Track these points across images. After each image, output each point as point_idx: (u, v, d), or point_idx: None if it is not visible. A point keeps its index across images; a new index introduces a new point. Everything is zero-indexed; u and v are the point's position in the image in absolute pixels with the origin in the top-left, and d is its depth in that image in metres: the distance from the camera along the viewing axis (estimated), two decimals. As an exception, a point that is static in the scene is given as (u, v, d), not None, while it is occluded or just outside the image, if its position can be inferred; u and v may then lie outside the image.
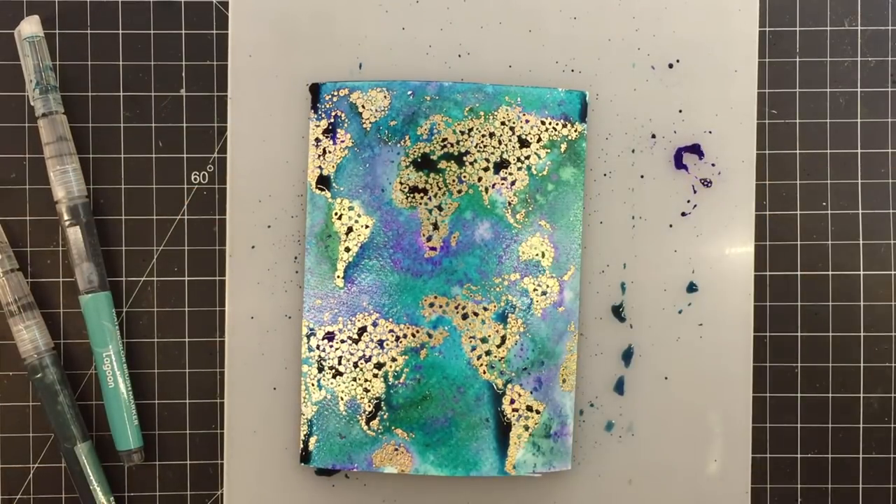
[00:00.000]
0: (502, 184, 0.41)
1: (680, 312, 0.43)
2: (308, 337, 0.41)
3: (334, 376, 0.41)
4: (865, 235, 0.44)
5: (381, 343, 0.41)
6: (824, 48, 0.45)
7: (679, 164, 0.43)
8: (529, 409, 0.41)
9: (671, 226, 0.43)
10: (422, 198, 0.41)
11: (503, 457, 0.41)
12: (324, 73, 0.42)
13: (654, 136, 0.43)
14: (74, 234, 0.42)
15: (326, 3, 0.42)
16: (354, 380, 0.41)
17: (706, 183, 0.43)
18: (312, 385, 0.41)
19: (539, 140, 0.42)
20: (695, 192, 0.43)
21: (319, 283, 0.41)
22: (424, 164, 0.41)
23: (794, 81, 0.45)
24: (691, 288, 0.43)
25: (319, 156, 0.42)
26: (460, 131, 0.41)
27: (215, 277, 0.44)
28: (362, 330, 0.41)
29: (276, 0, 0.42)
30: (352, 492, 0.42)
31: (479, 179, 0.41)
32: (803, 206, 0.44)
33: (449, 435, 0.41)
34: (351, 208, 0.41)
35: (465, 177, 0.41)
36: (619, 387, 0.43)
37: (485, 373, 0.41)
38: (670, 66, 0.43)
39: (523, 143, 0.42)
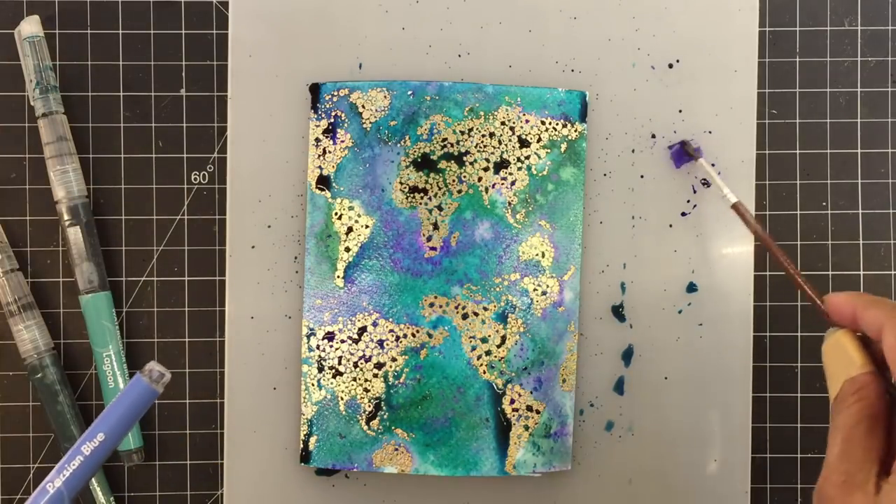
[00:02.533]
0: (502, 184, 0.41)
1: (680, 312, 0.43)
2: (308, 337, 0.41)
3: (334, 376, 0.41)
4: (865, 235, 0.44)
5: (381, 343, 0.41)
6: (824, 48, 0.45)
7: (679, 164, 0.43)
8: (529, 409, 0.41)
9: (671, 226, 0.43)
10: (422, 198, 0.41)
11: (503, 457, 0.41)
12: (324, 73, 0.42)
13: (654, 136, 0.43)
14: (74, 234, 0.42)
15: (326, 3, 0.42)
16: (354, 380, 0.41)
17: (706, 183, 0.43)
18: (312, 385, 0.41)
19: (539, 140, 0.42)
20: (695, 192, 0.43)
21: (319, 283, 0.41)
22: (424, 164, 0.41)
23: (794, 81, 0.45)
24: (691, 288, 0.43)
25: (319, 156, 0.42)
26: (460, 131, 0.41)
27: (215, 277, 0.44)
28: (362, 330, 0.41)
29: (276, 0, 0.42)
30: (352, 492, 0.42)
31: (479, 179, 0.41)
32: (803, 206, 0.44)
33: (449, 435, 0.41)
34: (351, 208, 0.41)
35: (465, 177, 0.41)
36: (619, 387, 0.43)
37: (485, 373, 0.41)
38: (670, 66, 0.43)
39: (523, 143, 0.42)
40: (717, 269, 0.42)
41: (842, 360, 0.31)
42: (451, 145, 0.41)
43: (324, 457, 0.41)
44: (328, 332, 0.41)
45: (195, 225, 0.44)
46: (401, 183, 0.41)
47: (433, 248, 0.41)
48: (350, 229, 0.41)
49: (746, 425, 0.42)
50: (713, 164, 0.43)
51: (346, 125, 0.41)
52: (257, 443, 0.42)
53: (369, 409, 0.41)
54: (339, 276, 0.41)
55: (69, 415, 0.42)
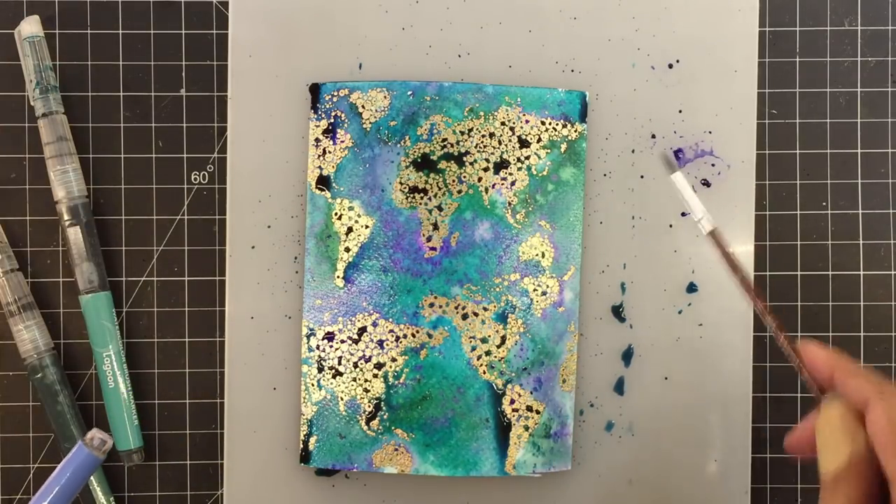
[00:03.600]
0: (502, 184, 0.41)
1: (680, 312, 0.43)
2: (308, 337, 0.41)
3: (334, 376, 0.41)
4: (865, 235, 0.44)
5: (381, 343, 0.41)
6: (824, 48, 0.45)
7: (679, 163, 0.43)
8: (529, 409, 0.41)
9: (671, 226, 0.43)
10: (422, 198, 0.41)
11: (503, 457, 0.41)
12: (324, 73, 0.42)
13: (654, 136, 0.43)
14: (74, 234, 0.42)
15: (326, 3, 0.42)
16: (354, 380, 0.41)
17: (706, 183, 0.43)
18: (312, 385, 0.41)
19: (539, 140, 0.42)
20: (695, 192, 0.43)
21: (319, 283, 0.41)
22: (424, 164, 0.41)
23: (794, 81, 0.45)
24: (691, 288, 0.43)
25: (319, 156, 0.42)
26: (460, 131, 0.41)
27: (215, 277, 0.44)
28: (362, 330, 0.41)
29: (276, 0, 0.42)
30: (352, 492, 0.42)
31: (479, 179, 0.41)
32: (803, 206, 0.44)
33: (449, 435, 0.41)
34: (351, 208, 0.41)
35: (465, 177, 0.41)
36: (619, 387, 0.43)
37: (485, 373, 0.41)
38: (670, 66, 0.43)
39: (523, 144, 0.42)
40: (717, 269, 0.42)
41: (843, 433, 0.30)
42: (451, 145, 0.41)
43: (324, 457, 0.41)
44: (328, 333, 0.41)
45: (195, 225, 0.44)
46: (401, 183, 0.41)
47: (433, 249, 0.41)
48: (350, 229, 0.41)
49: (746, 425, 0.42)
50: (713, 165, 0.43)
51: (346, 125, 0.41)
52: (257, 443, 0.42)
53: (369, 410, 0.41)
54: (339, 277, 0.41)
55: (69, 415, 0.42)
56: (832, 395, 0.32)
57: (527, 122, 0.42)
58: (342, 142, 0.41)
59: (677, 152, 0.43)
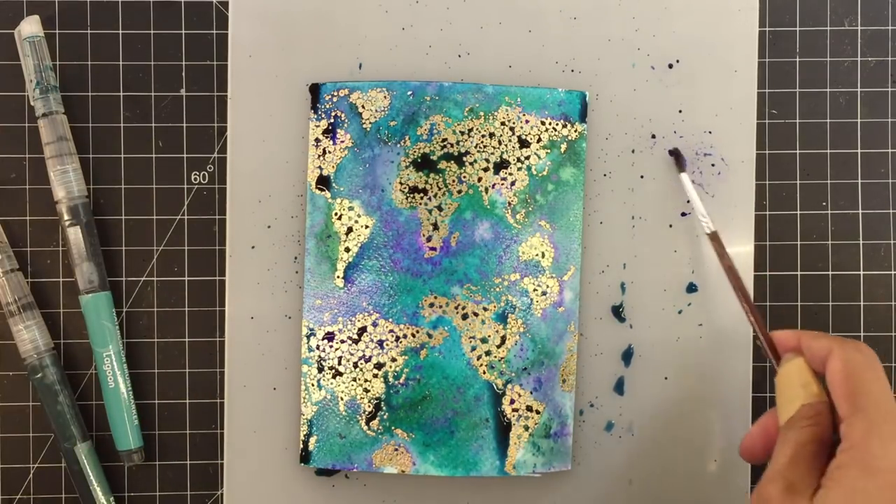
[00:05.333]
0: (502, 184, 0.41)
1: (680, 312, 0.43)
2: (308, 337, 0.41)
3: (334, 376, 0.41)
4: (865, 235, 0.44)
5: (380, 343, 0.41)
6: (824, 48, 0.45)
7: (679, 163, 0.43)
8: (529, 409, 0.41)
9: (671, 226, 0.43)
10: (422, 198, 0.41)
11: (503, 457, 0.41)
12: (324, 73, 0.42)
13: (654, 136, 0.43)
14: (74, 234, 0.42)
15: (326, 3, 0.42)
16: (354, 380, 0.41)
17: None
18: (312, 385, 0.41)
19: (539, 140, 0.42)
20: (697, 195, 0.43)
21: (319, 284, 0.41)
22: (424, 164, 0.41)
23: (794, 81, 0.45)
24: (691, 288, 0.43)
25: (319, 156, 0.42)
26: (460, 131, 0.41)
27: (215, 277, 0.44)
28: (362, 330, 0.41)
29: (276, 0, 0.42)
30: (352, 492, 0.42)
31: (479, 180, 0.41)
32: (803, 206, 0.44)
33: (449, 435, 0.41)
34: (351, 208, 0.41)
35: (465, 177, 0.41)
36: (619, 387, 0.43)
37: (485, 373, 0.41)
38: (670, 66, 0.43)
39: (523, 144, 0.42)
40: (717, 269, 0.42)
41: (799, 385, 0.33)
42: (451, 145, 0.41)
43: (324, 457, 0.41)
44: (328, 333, 0.41)
45: (195, 225, 0.44)
46: (401, 183, 0.41)
47: (433, 249, 0.41)
48: (350, 229, 0.41)
49: (746, 425, 0.42)
50: (713, 165, 0.43)
51: (345, 125, 0.41)
52: (257, 443, 0.42)
53: (369, 410, 0.41)
54: (338, 277, 0.41)
55: (69, 415, 0.42)
56: (789, 354, 0.35)
57: (527, 122, 0.42)
58: (342, 142, 0.41)
59: (678, 152, 0.42)
